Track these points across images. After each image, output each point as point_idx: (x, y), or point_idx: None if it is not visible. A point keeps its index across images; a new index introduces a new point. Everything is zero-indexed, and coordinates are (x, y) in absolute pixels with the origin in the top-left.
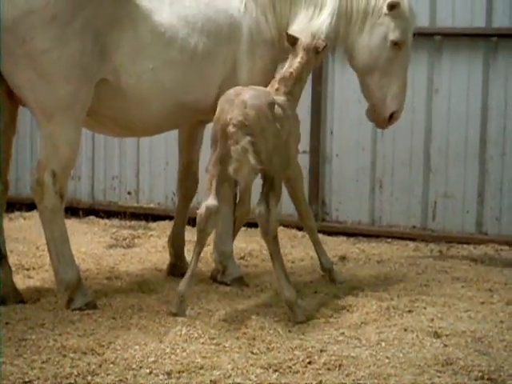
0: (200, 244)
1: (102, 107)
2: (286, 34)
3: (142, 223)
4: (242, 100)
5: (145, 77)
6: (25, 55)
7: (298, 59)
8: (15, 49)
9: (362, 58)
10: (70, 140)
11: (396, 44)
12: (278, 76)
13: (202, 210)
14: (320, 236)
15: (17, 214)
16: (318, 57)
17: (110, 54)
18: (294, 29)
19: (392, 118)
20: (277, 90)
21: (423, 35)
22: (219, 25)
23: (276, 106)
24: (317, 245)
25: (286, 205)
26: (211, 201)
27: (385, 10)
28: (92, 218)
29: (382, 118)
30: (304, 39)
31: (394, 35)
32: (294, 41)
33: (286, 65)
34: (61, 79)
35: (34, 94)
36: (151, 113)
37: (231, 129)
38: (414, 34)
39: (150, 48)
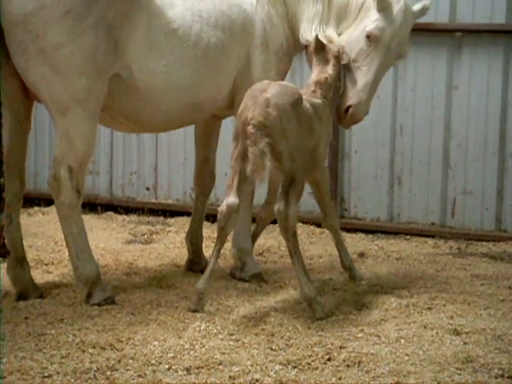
0: (220, 242)
1: (116, 103)
2: (316, 37)
3: (160, 219)
4: (265, 98)
5: (157, 72)
6: (38, 51)
7: (331, 66)
8: (28, 44)
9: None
10: (86, 135)
11: (368, 37)
12: (312, 79)
13: (222, 208)
14: None
15: (36, 209)
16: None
17: (123, 49)
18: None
19: (348, 112)
20: (313, 91)
21: (443, 31)
22: (233, 19)
23: (308, 106)
24: (339, 244)
25: (304, 201)
26: (232, 198)
27: (371, 7)
28: (110, 213)
29: (340, 113)
30: (332, 47)
31: (369, 27)
32: (321, 46)
33: (316, 69)
34: (75, 74)
35: (48, 90)
36: (164, 109)
37: (250, 129)
38: (434, 30)
39: (163, 44)
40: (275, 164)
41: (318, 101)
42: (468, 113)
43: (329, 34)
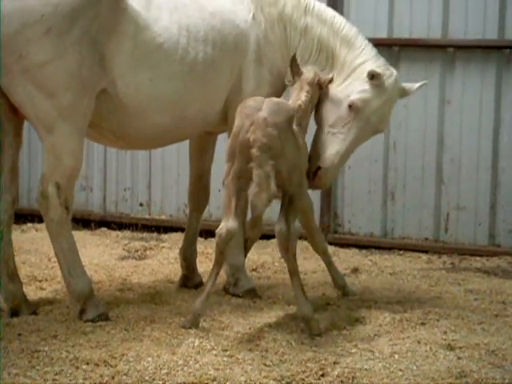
0: (218, 265)
1: (103, 120)
2: (294, 60)
3: (154, 235)
4: (263, 118)
5: (144, 87)
6: (22, 70)
7: (305, 93)
8: (12, 65)
9: (324, 112)
10: (73, 151)
11: (350, 107)
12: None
13: (222, 231)
14: (332, 248)
15: (29, 225)
16: (321, 91)
17: (109, 63)
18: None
19: (316, 174)
20: None
21: (436, 47)
22: (224, 35)
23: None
24: (330, 265)
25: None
26: (232, 223)
27: (364, 73)
28: (104, 229)
29: (309, 173)
30: (307, 74)
31: (354, 97)
32: (298, 72)
33: (292, 96)
34: (60, 91)
35: (34, 108)
36: (151, 125)
37: (255, 152)
38: (427, 46)
39: (149, 58)
40: (278, 183)
41: (294, 127)
42: (461, 128)
43: (309, 66)
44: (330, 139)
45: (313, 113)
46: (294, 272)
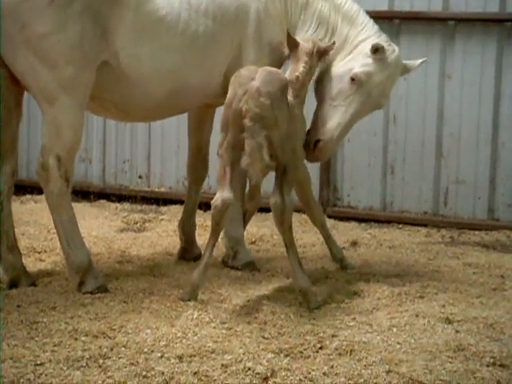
0: (215, 236)
1: (105, 91)
2: (288, 34)
3: (153, 207)
4: (255, 87)
5: (145, 59)
6: (24, 40)
7: (303, 64)
8: (15, 35)
9: (326, 86)
10: (74, 123)
11: (353, 80)
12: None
13: (217, 202)
14: (331, 221)
15: (28, 197)
16: (320, 61)
17: (111, 36)
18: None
19: (316, 146)
20: None
21: (436, 20)
22: (225, 7)
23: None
24: (328, 238)
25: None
26: (227, 193)
27: (367, 48)
28: (103, 201)
29: (308, 146)
30: (305, 44)
31: (356, 70)
32: (294, 44)
33: (290, 68)
34: (62, 63)
35: (35, 79)
36: (153, 96)
37: (248, 122)
38: (427, 19)
39: (151, 30)
40: (271, 153)
41: (290, 98)
42: (461, 102)
43: (307, 37)
44: (331, 112)
45: (313, 86)
46: (290, 245)
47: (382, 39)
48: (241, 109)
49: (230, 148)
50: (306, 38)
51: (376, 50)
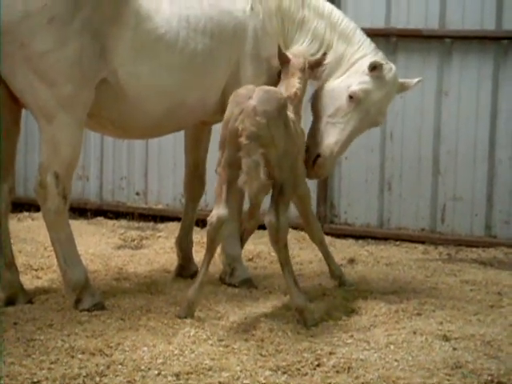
0: (210, 253)
1: (103, 109)
2: (279, 49)
3: (151, 224)
4: (252, 106)
5: (143, 78)
6: (24, 58)
7: (297, 80)
8: (14, 52)
9: (323, 102)
10: (72, 141)
11: (351, 97)
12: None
13: (212, 219)
14: (328, 238)
15: (25, 214)
16: (311, 74)
17: (110, 54)
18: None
19: (315, 163)
20: None
21: (433, 38)
22: (223, 25)
23: (289, 112)
24: (327, 255)
25: (293, 207)
26: (222, 210)
27: (364, 66)
28: (100, 218)
29: (307, 162)
30: (296, 60)
31: (354, 88)
32: (285, 59)
33: (284, 84)
34: (61, 81)
35: (34, 97)
36: (151, 114)
37: (244, 140)
38: (424, 37)
39: (150, 49)
40: (268, 171)
41: (291, 115)
42: (458, 119)
43: (293, 49)
44: (329, 129)
45: (310, 102)
46: (285, 263)
47: (378, 57)
48: (237, 128)
49: (227, 166)
50: (296, 53)
51: (374, 67)
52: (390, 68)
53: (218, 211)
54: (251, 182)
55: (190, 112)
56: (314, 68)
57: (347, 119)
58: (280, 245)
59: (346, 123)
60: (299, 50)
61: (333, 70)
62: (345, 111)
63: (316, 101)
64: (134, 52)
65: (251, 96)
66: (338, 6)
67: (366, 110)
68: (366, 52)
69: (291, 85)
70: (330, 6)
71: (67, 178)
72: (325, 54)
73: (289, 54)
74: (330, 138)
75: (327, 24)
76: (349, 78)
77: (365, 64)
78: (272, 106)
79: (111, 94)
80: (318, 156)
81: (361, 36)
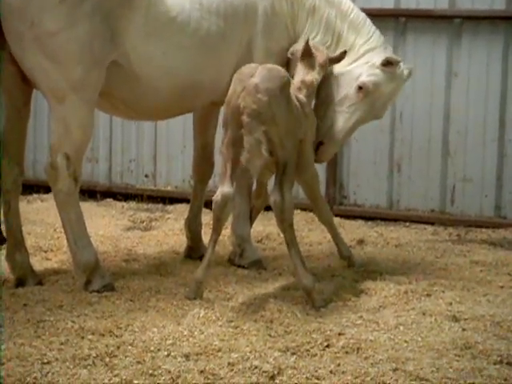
0: (216, 232)
1: (115, 90)
2: (307, 42)
3: (160, 206)
4: (254, 84)
5: (156, 60)
6: (34, 38)
7: (317, 72)
8: (24, 32)
9: (329, 89)
10: (83, 122)
11: (360, 88)
12: (299, 78)
13: (217, 198)
14: (338, 220)
15: (35, 196)
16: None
17: (121, 36)
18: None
19: (318, 148)
20: (299, 89)
21: (442, 18)
22: (235, 6)
23: (294, 98)
24: (336, 237)
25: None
26: (226, 188)
27: (374, 59)
28: (109, 200)
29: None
30: (320, 55)
31: (364, 79)
32: (309, 53)
33: (301, 72)
34: (71, 61)
35: (45, 77)
36: (163, 96)
37: (245, 118)
38: (434, 17)
39: (162, 30)
40: (270, 149)
41: (302, 97)
42: (467, 100)
43: (316, 44)
44: (335, 116)
45: None
46: (291, 243)
47: (388, 51)
48: (239, 105)
49: (231, 145)
50: (317, 47)
51: (389, 63)
52: (401, 65)
53: (222, 189)
54: (253, 159)
55: (201, 93)
56: (333, 64)
57: (354, 109)
58: (285, 224)
59: (352, 113)
60: (320, 46)
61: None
62: (352, 101)
63: (322, 87)
64: (145, 34)
65: (253, 74)
66: None
67: (372, 103)
68: (376, 44)
69: (310, 74)
70: None
71: (78, 159)
72: (345, 52)
73: (313, 48)
74: (335, 125)
75: (337, 13)
76: (357, 68)
77: (375, 57)
78: (274, 84)
79: (122, 76)
80: (321, 143)
81: (370, 27)
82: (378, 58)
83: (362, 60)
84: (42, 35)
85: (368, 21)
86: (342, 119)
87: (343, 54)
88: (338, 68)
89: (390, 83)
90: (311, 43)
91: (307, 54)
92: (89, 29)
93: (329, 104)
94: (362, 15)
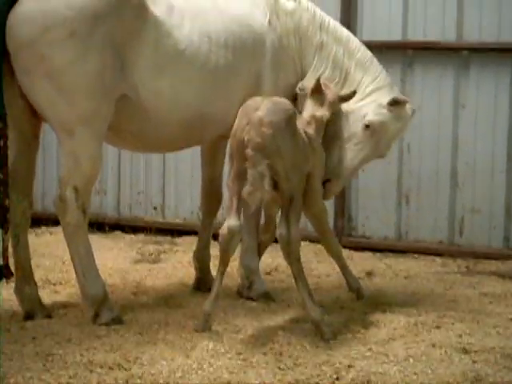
0: (223, 264)
1: (123, 123)
2: (318, 80)
3: (168, 238)
4: (258, 117)
5: (164, 93)
6: (44, 73)
7: (327, 108)
8: (34, 66)
9: (336, 126)
10: (92, 155)
11: (368, 127)
12: (308, 112)
13: (224, 231)
14: (346, 251)
15: (43, 229)
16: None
17: (131, 69)
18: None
19: (324, 185)
20: (308, 123)
21: (450, 50)
22: (243, 39)
23: (302, 132)
24: (344, 269)
25: None
26: (233, 221)
27: (380, 98)
28: (118, 233)
29: None
30: (330, 93)
31: (372, 118)
32: (319, 90)
33: (310, 108)
34: (81, 95)
35: (54, 111)
36: (171, 129)
37: (249, 151)
38: (441, 49)
39: (170, 64)
40: (274, 186)
41: (312, 132)
42: (475, 131)
43: (326, 81)
44: (341, 154)
45: None
46: (298, 276)
47: (395, 91)
48: (243, 139)
49: (236, 178)
50: (327, 84)
51: (396, 102)
52: (408, 106)
53: (228, 223)
54: (255, 193)
55: (209, 126)
56: (342, 102)
57: (360, 147)
58: (292, 258)
59: (359, 151)
60: (329, 82)
61: None
62: (359, 139)
63: (328, 124)
64: (154, 67)
65: (259, 107)
66: (355, 18)
67: (378, 141)
68: (383, 84)
69: (319, 110)
70: (346, 32)
71: (86, 192)
72: (355, 91)
73: (323, 85)
74: (341, 163)
75: (345, 50)
76: (364, 106)
77: (382, 96)
78: (279, 117)
79: (131, 109)
80: (327, 180)
81: (377, 66)
82: (385, 97)
83: (369, 99)
84: (52, 69)
85: (375, 60)
86: (349, 157)
87: (353, 94)
88: (345, 106)
89: (397, 123)
90: (322, 80)
91: (317, 91)
92: (99, 62)
93: (336, 141)
94: (369, 54)
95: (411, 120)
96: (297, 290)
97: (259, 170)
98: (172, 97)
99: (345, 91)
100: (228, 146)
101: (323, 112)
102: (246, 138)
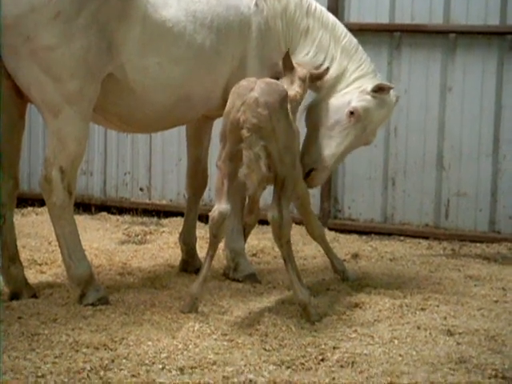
0: (213, 248)
1: (109, 103)
2: (287, 55)
3: (154, 219)
4: (254, 98)
5: (151, 72)
6: (29, 53)
7: (297, 87)
8: (19, 46)
9: (320, 114)
10: (78, 136)
11: (352, 113)
12: None
13: (214, 214)
14: (332, 234)
15: (29, 209)
16: (311, 85)
17: (117, 49)
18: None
19: (309, 175)
20: None
21: (437, 33)
22: (229, 21)
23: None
24: (329, 252)
25: None
26: (224, 205)
27: (364, 85)
28: (104, 214)
29: (303, 172)
30: (300, 69)
31: (356, 104)
32: (290, 66)
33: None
34: (67, 76)
35: (39, 91)
36: (157, 108)
37: (245, 133)
38: (428, 32)
39: (157, 43)
40: (269, 164)
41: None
42: (462, 114)
43: (299, 59)
44: (326, 141)
45: (305, 113)
46: (288, 259)
47: (378, 78)
48: (238, 119)
49: (228, 159)
50: (302, 63)
51: (380, 89)
52: (392, 92)
53: (219, 206)
54: (252, 174)
55: (194, 106)
56: (315, 81)
57: (345, 134)
58: (283, 240)
59: (344, 138)
60: (305, 61)
61: (334, 84)
62: (344, 126)
63: (313, 112)
64: (141, 46)
65: (253, 88)
66: (343, 1)
67: (362, 128)
68: (367, 71)
69: (291, 88)
70: (333, 18)
71: (72, 172)
72: (327, 68)
73: (294, 62)
74: (326, 151)
75: (331, 36)
76: (348, 93)
77: (365, 83)
78: (274, 98)
79: (117, 88)
80: (312, 169)
81: (362, 54)
82: (368, 84)
83: (354, 85)
84: (38, 50)
85: (360, 47)
86: (334, 144)
87: (326, 71)
88: (330, 94)
89: (381, 109)
90: (293, 58)
91: (288, 67)
92: (85, 42)
93: (320, 129)
94: (355, 41)
95: (395, 106)
96: (286, 271)
97: (255, 152)
98: (158, 75)
99: (317, 69)
100: (217, 126)
101: (295, 90)
102: (241, 119)
